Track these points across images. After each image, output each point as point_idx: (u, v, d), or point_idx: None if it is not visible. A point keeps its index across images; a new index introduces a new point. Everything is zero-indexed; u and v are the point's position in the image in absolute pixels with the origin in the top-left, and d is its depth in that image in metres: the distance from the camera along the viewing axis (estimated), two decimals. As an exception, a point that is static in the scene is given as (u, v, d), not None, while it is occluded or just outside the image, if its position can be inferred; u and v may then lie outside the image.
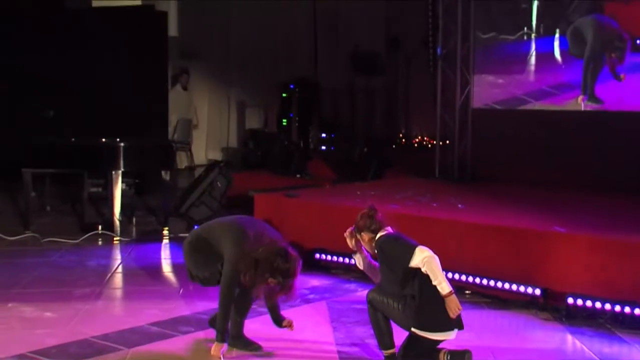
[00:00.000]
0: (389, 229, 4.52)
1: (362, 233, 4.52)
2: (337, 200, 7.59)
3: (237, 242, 4.71)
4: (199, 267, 4.77)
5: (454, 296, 4.19)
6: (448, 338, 4.29)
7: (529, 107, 9.10)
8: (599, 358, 4.79)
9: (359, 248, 4.61)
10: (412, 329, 4.35)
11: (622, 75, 8.21)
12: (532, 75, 9.26)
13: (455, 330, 4.27)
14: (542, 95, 9.05)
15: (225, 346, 4.65)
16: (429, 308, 4.24)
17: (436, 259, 4.23)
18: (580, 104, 8.64)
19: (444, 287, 4.18)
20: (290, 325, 4.86)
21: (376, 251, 4.46)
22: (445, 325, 4.27)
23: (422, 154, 11.34)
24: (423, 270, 4.22)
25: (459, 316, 4.25)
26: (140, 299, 5.98)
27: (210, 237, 4.80)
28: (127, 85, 11.14)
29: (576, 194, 8.13)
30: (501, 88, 9.47)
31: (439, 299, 4.21)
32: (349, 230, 4.62)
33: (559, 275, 5.76)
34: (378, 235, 4.46)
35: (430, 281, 4.20)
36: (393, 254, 4.34)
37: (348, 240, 4.61)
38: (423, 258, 4.20)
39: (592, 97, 8.52)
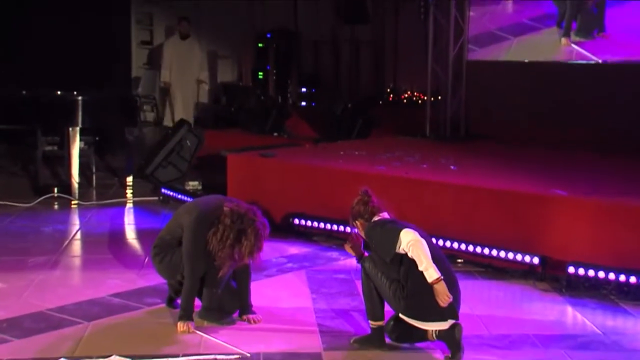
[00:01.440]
0: (385, 215, 4.48)
1: (356, 221, 4.48)
2: (318, 160, 7.55)
3: (193, 210, 4.71)
4: (177, 271, 4.74)
5: (442, 283, 4.17)
6: (440, 328, 4.29)
7: (505, 44, 8.89)
8: (601, 331, 4.82)
9: (358, 244, 4.53)
10: (401, 315, 4.35)
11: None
12: (510, 6, 9.02)
13: (450, 321, 4.26)
14: (521, 29, 8.85)
15: (192, 324, 4.63)
16: (418, 297, 4.23)
17: (423, 242, 4.19)
18: (565, 44, 8.50)
19: (431, 274, 4.16)
20: (251, 321, 4.81)
21: (365, 235, 4.44)
22: (437, 314, 4.26)
23: (411, 110, 11.31)
24: (409, 255, 4.19)
25: (452, 305, 4.25)
26: (101, 269, 5.94)
27: (169, 232, 4.82)
28: (85, 35, 10.97)
29: (578, 154, 8.16)
30: (473, 22, 9.30)
31: (429, 287, 4.20)
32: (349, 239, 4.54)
33: (559, 243, 5.77)
34: (370, 222, 4.43)
35: (418, 267, 4.17)
36: (378, 241, 4.32)
37: (349, 249, 4.54)
38: (408, 242, 4.18)
39: (578, 32, 8.36)
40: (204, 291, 4.73)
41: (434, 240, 4.68)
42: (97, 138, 9.20)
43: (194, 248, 4.61)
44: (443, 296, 4.18)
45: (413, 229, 4.31)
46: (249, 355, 4.28)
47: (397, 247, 4.23)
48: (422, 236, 4.29)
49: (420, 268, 4.17)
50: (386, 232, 4.30)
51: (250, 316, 4.88)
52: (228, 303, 4.82)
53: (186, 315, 4.64)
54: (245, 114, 11.54)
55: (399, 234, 4.23)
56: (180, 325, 4.61)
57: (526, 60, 9.05)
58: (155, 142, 9.48)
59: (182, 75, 12.28)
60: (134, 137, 9.00)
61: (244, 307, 4.86)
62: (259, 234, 4.55)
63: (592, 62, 8.59)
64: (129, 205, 8.35)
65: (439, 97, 9.76)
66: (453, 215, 6.32)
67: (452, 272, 4.41)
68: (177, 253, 4.73)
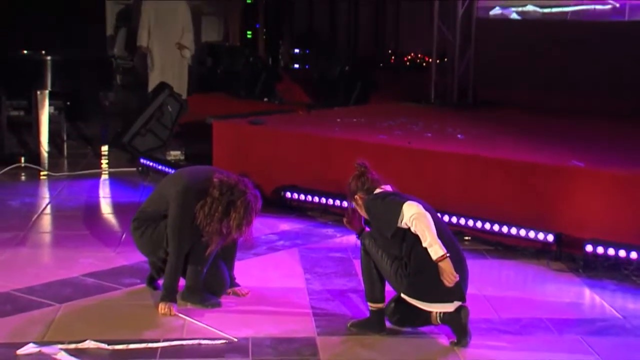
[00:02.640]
0: (387, 187, 4.46)
1: (356, 196, 4.45)
2: (313, 129, 7.53)
3: (180, 181, 4.70)
4: (159, 245, 4.74)
5: (448, 261, 4.16)
6: (445, 310, 4.30)
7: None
8: (622, 315, 4.83)
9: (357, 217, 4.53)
10: (403, 296, 4.35)
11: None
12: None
13: (456, 303, 4.27)
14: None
15: (174, 306, 4.63)
16: (422, 275, 4.23)
17: (427, 216, 4.17)
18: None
19: (436, 250, 4.15)
20: (238, 293, 4.90)
21: (365, 210, 4.42)
22: (442, 295, 4.26)
23: (415, 74, 11.29)
24: (412, 230, 4.18)
25: (458, 285, 4.25)
26: (74, 246, 5.93)
27: (152, 204, 4.81)
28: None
29: (597, 121, 8.15)
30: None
31: (436, 266, 4.20)
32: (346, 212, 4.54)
33: (575, 218, 5.78)
34: (370, 195, 4.41)
35: (422, 243, 4.17)
36: (379, 214, 4.30)
37: (347, 224, 4.54)
38: (411, 215, 4.16)
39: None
40: (188, 270, 4.73)
41: (439, 215, 4.66)
42: (68, 103, 9.16)
43: (181, 222, 4.60)
44: (449, 275, 4.18)
45: (417, 202, 4.30)
46: (236, 340, 4.29)
47: (399, 221, 4.22)
48: (426, 210, 4.28)
49: (424, 244, 4.17)
50: (387, 205, 4.28)
51: (237, 289, 4.93)
52: (214, 283, 4.82)
53: (169, 296, 4.64)
54: (233, 77, 11.51)
55: (401, 206, 4.22)
56: (162, 307, 4.61)
57: (541, 11, 8.99)
58: (133, 107, 9.43)
59: (162, 40, 11.60)
60: (110, 102, 8.96)
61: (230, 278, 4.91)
62: (250, 206, 4.55)
63: (613, 20, 8.55)
64: (104, 176, 8.33)
65: (445, 59, 9.74)
66: (460, 188, 6.31)
67: (459, 250, 4.41)
68: (160, 227, 4.72)
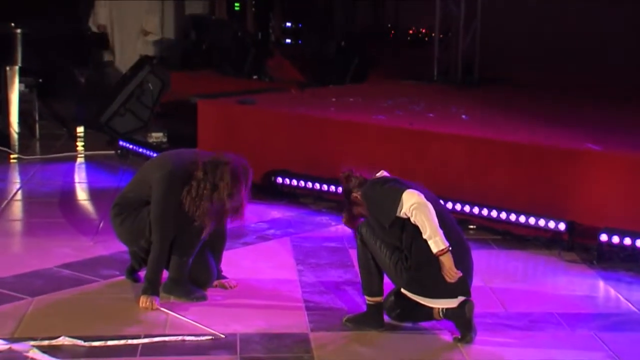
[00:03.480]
0: (385, 173, 4.47)
1: (352, 196, 4.45)
2: (306, 109, 7.53)
3: (165, 165, 4.70)
4: (141, 234, 4.73)
5: (449, 256, 4.16)
6: (448, 306, 4.31)
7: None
8: (638, 309, 4.84)
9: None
10: (403, 290, 4.36)
11: None
12: None
13: (460, 298, 4.27)
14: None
15: (157, 299, 4.63)
16: (423, 269, 4.22)
17: (428, 206, 4.17)
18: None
19: (437, 243, 4.14)
20: (226, 286, 4.92)
21: (363, 200, 4.42)
22: (445, 290, 4.27)
23: (416, 49, 11.27)
24: (412, 220, 4.18)
25: (463, 279, 4.25)
26: (47, 235, 5.92)
27: (133, 189, 4.81)
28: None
29: (613, 101, 8.14)
30: None
31: (436, 258, 4.20)
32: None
33: (590, 206, 5.79)
34: (368, 183, 4.41)
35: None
36: (377, 202, 4.30)
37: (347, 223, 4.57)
38: (411, 205, 4.16)
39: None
40: (172, 261, 4.72)
41: (442, 203, 4.66)
42: (40, 80, 9.13)
43: (165, 209, 4.60)
44: (449, 270, 4.18)
45: (419, 190, 4.29)
46: (223, 336, 4.29)
47: (399, 211, 4.22)
48: (429, 198, 4.28)
49: (424, 236, 4.17)
50: (386, 192, 4.28)
51: (224, 281, 4.93)
52: (200, 275, 4.82)
53: (151, 289, 4.64)
54: (219, 53, 11.47)
55: (401, 194, 4.21)
56: (143, 300, 4.61)
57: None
58: (112, 85, 9.41)
59: (122, 20, 11.23)
60: (86, 80, 8.93)
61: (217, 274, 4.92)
62: (237, 172, 4.57)
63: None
64: (80, 160, 8.34)
65: (449, 34, 9.71)
66: (465, 173, 6.31)
67: (464, 241, 4.41)
68: (142, 214, 4.71)
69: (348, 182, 4.50)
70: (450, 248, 4.17)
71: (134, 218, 4.76)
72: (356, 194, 4.45)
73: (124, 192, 4.89)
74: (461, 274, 4.22)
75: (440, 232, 4.17)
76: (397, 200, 4.21)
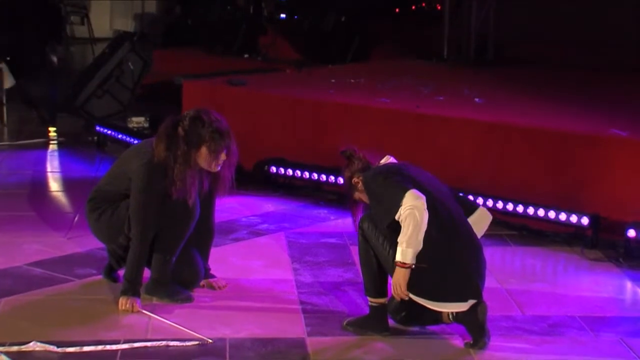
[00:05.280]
0: (391, 158, 4.46)
1: (353, 181, 4.46)
2: (303, 90, 7.54)
3: (145, 153, 4.69)
4: (120, 231, 4.73)
5: (407, 272, 4.18)
6: (457, 310, 4.31)
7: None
8: (668, 312, 4.87)
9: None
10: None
11: None
12: None
13: (470, 302, 4.28)
14: None
15: (138, 301, 4.63)
16: (430, 271, 4.22)
17: (424, 217, 4.13)
18: None
19: (406, 254, 4.14)
20: (214, 286, 4.94)
21: (364, 189, 4.42)
22: (455, 293, 4.27)
23: (424, 26, 11.25)
24: (401, 218, 4.16)
25: (474, 281, 4.26)
26: (16, 230, 5.93)
27: (111, 181, 4.80)
28: None
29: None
30: None
31: (445, 258, 4.22)
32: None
33: (615, 198, 5.80)
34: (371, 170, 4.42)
35: (431, 236, 4.16)
36: (379, 196, 4.29)
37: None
38: (407, 206, 4.14)
39: None
40: (154, 259, 4.73)
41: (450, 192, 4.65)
42: (8, 58, 9.12)
43: (145, 201, 4.60)
44: (398, 287, 4.20)
45: (425, 180, 4.29)
46: (210, 341, 4.30)
47: (398, 213, 4.21)
48: (437, 189, 4.29)
49: (399, 239, 4.15)
50: (389, 190, 4.26)
51: (212, 280, 4.95)
52: (185, 274, 4.83)
53: (131, 289, 4.64)
54: (207, 29, 11.46)
55: (403, 195, 4.18)
56: (123, 302, 4.62)
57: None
58: (88, 64, 9.41)
59: None
60: (59, 58, 8.92)
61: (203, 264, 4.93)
62: (211, 118, 4.64)
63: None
64: (53, 147, 8.32)
65: (461, 8, 9.70)
66: (477, 161, 6.33)
67: (474, 238, 4.41)
68: (121, 208, 4.72)
69: (350, 163, 4.50)
70: (412, 266, 4.17)
71: (111, 213, 4.76)
72: (357, 180, 4.45)
73: (100, 185, 4.89)
74: (407, 297, 4.22)
75: (417, 249, 4.16)
76: (398, 201, 4.19)
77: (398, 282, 4.22)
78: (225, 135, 4.66)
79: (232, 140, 4.70)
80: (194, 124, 4.61)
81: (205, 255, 4.97)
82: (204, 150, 4.60)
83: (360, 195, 4.47)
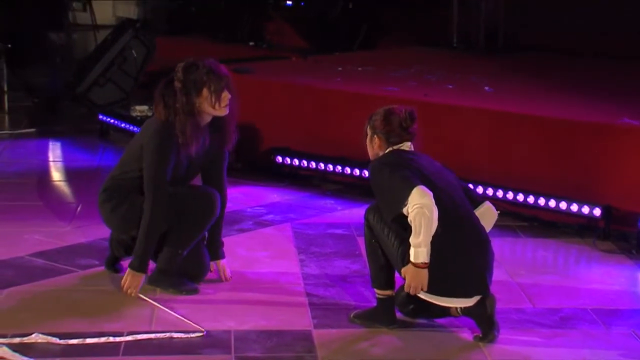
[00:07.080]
0: (409, 146, 4.46)
1: (375, 136, 4.46)
2: (309, 79, 7.52)
3: (150, 128, 4.70)
4: (134, 225, 4.72)
5: (425, 272, 4.18)
6: (463, 306, 4.31)
7: None
8: (683, 306, 4.87)
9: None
10: None
11: None
12: None
13: (476, 297, 4.27)
14: None
15: (143, 278, 4.63)
16: (435, 266, 4.21)
17: (434, 213, 4.12)
18: None
19: (420, 254, 4.14)
20: (221, 274, 4.95)
21: (370, 174, 4.43)
22: (460, 288, 4.28)
23: (432, 12, 11.21)
24: (410, 217, 4.16)
25: (481, 275, 4.26)
26: (18, 219, 5.94)
27: (125, 165, 4.79)
28: None
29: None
30: None
31: (451, 253, 4.22)
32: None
33: (628, 188, 5.78)
34: (387, 151, 4.41)
35: (435, 231, 4.15)
36: (384, 190, 4.29)
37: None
38: (415, 204, 4.13)
39: None
40: (164, 251, 4.73)
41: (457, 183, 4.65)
42: (9, 45, 9.12)
43: (160, 160, 4.58)
44: (417, 287, 4.20)
45: (432, 171, 4.30)
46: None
47: (404, 208, 4.21)
48: (445, 180, 4.32)
49: (412, 240, 4.15)
50: (395, 184, 4.25)
51: (222, 263, 4.93)
52: (192, 265, 4.82)
53: (139, 265, 4.63)
54: (210, 16, 11.44)
55: (410, 191, 4.18)
56: (127, 277, 4.62)
57: None
58: (90, 51, 9.40)
59: None
60: (60, 45, 8.91)
61: (214, 251, 4.91)
62: (204, 62, 4.64)
63: None
64: (55, 136, 8.31)
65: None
66: (487, 151, 6.32)
67: (481, 229, 4.39)
68: (137, 203, 4.69)
69: (385, 119, 4.48)
70: (427, 265, 4.16)
71: (127, 207, 4.74)
72: (377, 139, 4.44)
73: (113, 173, 4.87)
74: (421, 291, 4.23)
75: (429, 246, 4.16)
76: (404, 198, 4.19)
77: (420, 283, 4.21)
78: (223, 74, 4.66)
79: (230, 81, 4.69)
80: (188, 71, 4.63)
81: (218, 227, 4.93)
82: (205, 92, 4.61)
83: (366, 142, 4.51)
